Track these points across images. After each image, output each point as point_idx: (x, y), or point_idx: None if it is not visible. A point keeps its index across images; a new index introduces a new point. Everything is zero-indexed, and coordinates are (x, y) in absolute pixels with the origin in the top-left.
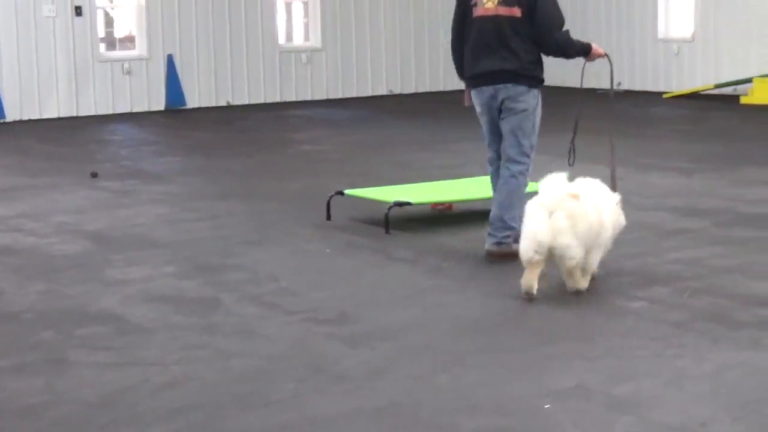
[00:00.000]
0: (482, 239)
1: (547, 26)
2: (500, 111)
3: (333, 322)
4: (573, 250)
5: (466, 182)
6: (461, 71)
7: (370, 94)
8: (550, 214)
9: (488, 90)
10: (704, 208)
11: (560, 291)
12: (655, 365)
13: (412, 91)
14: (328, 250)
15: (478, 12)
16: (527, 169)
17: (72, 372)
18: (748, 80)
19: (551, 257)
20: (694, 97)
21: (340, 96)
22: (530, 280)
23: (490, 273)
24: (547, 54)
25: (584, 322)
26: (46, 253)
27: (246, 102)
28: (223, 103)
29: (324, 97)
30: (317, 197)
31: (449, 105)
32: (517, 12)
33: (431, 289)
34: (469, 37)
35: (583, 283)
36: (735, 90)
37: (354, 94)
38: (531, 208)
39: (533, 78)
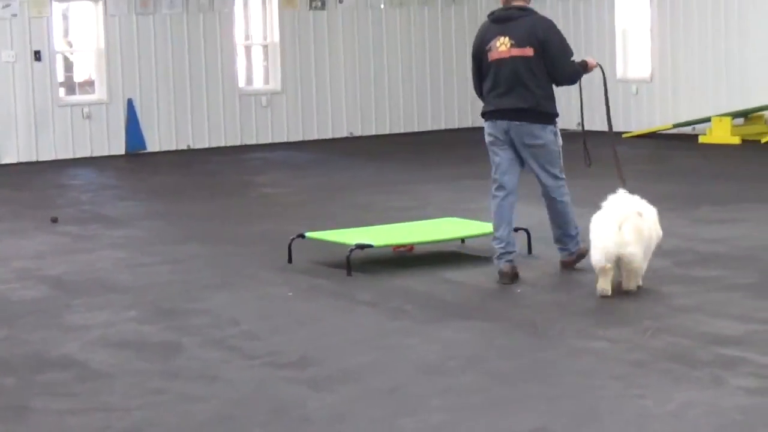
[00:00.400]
0: (442, 280)
1: (561, 61)
2: (515, 146)
3: (295, 366)
4: (638, 257)
5: (426, 224)
6: None
7: (330, 136)
8: (619, 227)
9: (503, 124)
10: (664, 248)
11: (521, 331)
12: (618, 405)
13: (372, 133)
14: (290, 294)
15: (493, 56)
16: (565, 186)
17: (33, 419)
18: (707, 119)
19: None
20: (654, 136)
21: (300, 139)
22: (604, 284)
23: (452, 314)
24: (560, 85)
25: (545, 363)
26: (6, 299)
27: (206, 145)
28: (183, 147)
29: (284, 139)
30: (278, 240)
31: (409, 147)
32: (529, 52)
33: (394, 331)
34: (487, 80)
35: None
36: (694, 129)
37: (314, 137)
38: (601, 222)
39: (547, 114)
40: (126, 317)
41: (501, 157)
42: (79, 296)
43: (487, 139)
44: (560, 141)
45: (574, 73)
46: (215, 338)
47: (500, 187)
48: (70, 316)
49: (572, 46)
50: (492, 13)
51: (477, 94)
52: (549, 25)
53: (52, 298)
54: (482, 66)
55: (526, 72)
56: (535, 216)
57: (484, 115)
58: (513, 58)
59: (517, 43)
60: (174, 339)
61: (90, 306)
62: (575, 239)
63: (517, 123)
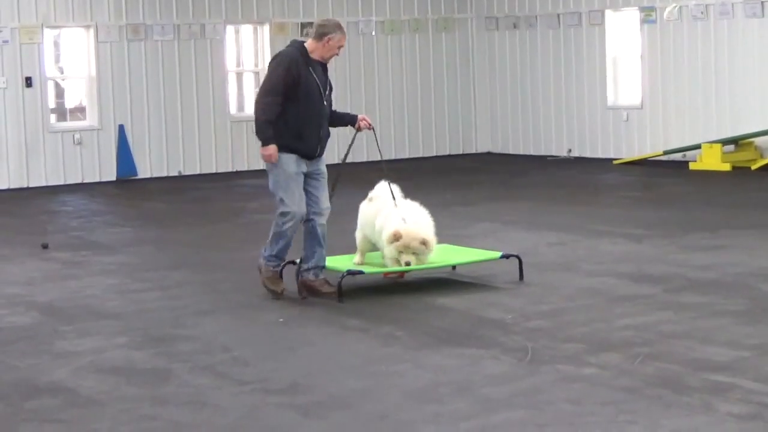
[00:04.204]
0: (433, 307)
1: (260, 86)
2: None
3: (285, 392)
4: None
5: None
6: None
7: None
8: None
9: None
10: (654, 274)
11: (511, 358)
12: None
13: (364, 159)
14: (280, 320)
15: None
16: (279, 216)
17: None
18: (697, 146)
19: None
20: (644, 163)
21: None
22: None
23: (443, 341)
24: None
25: (535, 389)
26: None
27: (197, 172)
28: (174, 173)
29: None
30: None
31: (401, 174)
32: None
33: (384, 357)
34: None
35: None
36: (684, 156)
37: None
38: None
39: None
40: (116, 344)
41: None
42: (70, 323)
43: None
44: (277, 169)
45: (256, 104)
46: (205, 364)
47: None
48: (60, 342)
49: (564, 73)
50: None
51: None
52: (274, 56)
53: (42, 325)
54: None
55: None
56: (526, 242)
57: None
58: None
59: None
60: (164, 365)
61: (80, 332)
62: (265, 251)
63: None
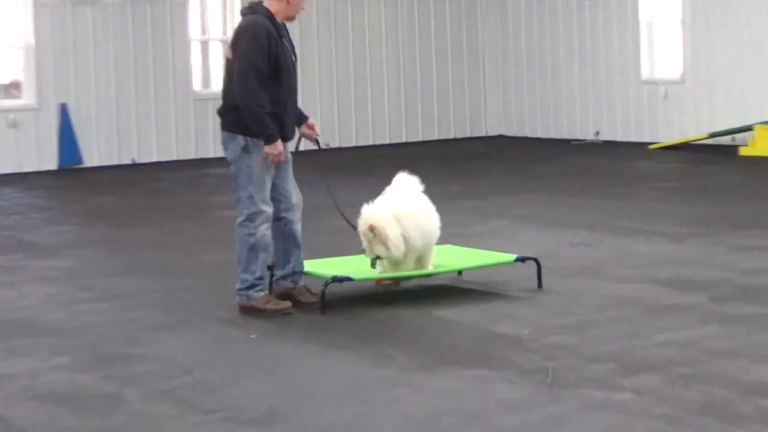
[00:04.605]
0: (435, 320)
1: (238, 69)
2: None
3: (259, 422)
4: None
5: None
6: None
7: (302, 147)
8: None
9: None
10: (698, 280)
11: (528, 381)
12: None
13: (352, 144)
14: (252, 336)
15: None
16: (248, 223)
17: None
18: (748, 128)
19: None
20: (685, 148)
21: None
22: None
23: (446, 361)
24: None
25: (558, 419)
26: None
27: (154, 159)
28: (127, 162)
29: None
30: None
31: (396, 160)
32: (229, 54)
33: (376, 381)
34: None
35: None
36: (733, 140)
37: None
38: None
39: (236, 123)
40: (56, 365)
41: None
42: (1, 340)
43: None
44: (249, 160)
45: (244, 95)
46: (162, 389)
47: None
48: None
49: (590, 42)
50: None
51: None
52: (243, 29)
53: None
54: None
55: (229, 75)
56: (545, 242)
57: None
58: (227, 60)
59: (230, 44)
60: (113, 390)
61: (12, 351)
62: (244, 282)
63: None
